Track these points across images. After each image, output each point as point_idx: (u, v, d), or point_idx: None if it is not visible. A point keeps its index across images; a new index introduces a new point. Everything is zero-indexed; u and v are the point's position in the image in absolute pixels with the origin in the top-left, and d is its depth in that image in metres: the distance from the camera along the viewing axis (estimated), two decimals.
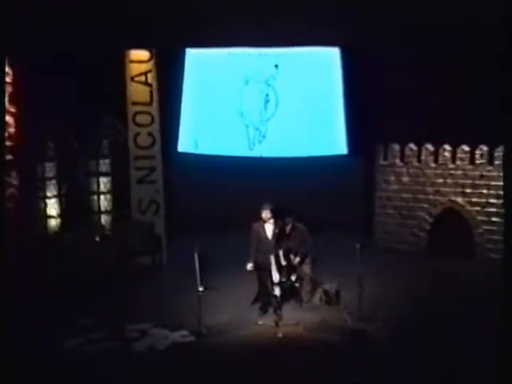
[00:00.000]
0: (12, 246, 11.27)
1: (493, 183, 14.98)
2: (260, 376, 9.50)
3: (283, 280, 11.70)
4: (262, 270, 11.83)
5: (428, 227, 15.82)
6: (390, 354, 10.26)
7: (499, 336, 7.65)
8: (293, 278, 12.11)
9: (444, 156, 15.53)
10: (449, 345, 10.41)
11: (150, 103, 15.35)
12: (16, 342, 9.06)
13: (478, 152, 15.16)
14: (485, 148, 15.05)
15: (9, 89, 13.82)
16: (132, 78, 15.24)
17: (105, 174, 15.72)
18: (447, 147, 15.45)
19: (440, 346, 10.37)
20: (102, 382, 9.34)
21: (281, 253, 11.93)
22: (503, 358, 7.45)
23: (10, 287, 9.03)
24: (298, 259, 12.33)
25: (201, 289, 11.08)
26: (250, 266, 11.88)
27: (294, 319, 11.58)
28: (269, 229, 11.95)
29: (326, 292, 12.54)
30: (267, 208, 11.92)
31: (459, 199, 15.41)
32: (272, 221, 11.95)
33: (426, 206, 15.81)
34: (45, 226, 15.10)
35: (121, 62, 15.20)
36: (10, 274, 9.34)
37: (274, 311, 11.52)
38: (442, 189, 15.59)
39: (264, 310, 12.02)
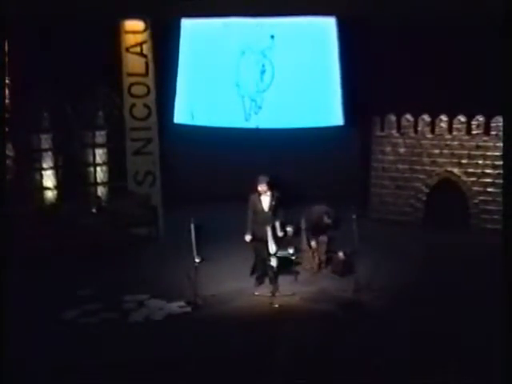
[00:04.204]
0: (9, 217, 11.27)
1: (489, 153, 14.98)
2: (256, 346, 9.54)
3: (280, 252, 11.74)
4: (258, 242, 11.86)
5: (424, 198, 15.83)
6: (386, 323, 10.32)
7: (500, 303, 7.71)
8: (290, 250, 12.13)
9: (440, 127, 15.50)
10: (445, 315, 10.48)
11: (146, 74, 15.26)
12: (13, 314, 9.08)
13: (474, 122, 15.13)
14: (481, 118, 15.02)
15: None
16: (127, 49, 15.13)
17: (101, 146, 15.72)
18: (444, 118, 15.42)
19: (436, 316, 10.43)
20: (99, 353, 9.38)
21: (277, 224, 11.92)
22: (503, 325, 7.51)
23: (8, 259, 9.05)
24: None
25: (197, 260, 11.12)
26: (248, 237, 11.91)
27: (290, 290, 11.64)
28: (265, 201, 11.95)
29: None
30: (263, 181, 11.90)
31: (455, 170, 15.40)
32: (269, 193, 11.94)
33: (422, 176, 15.80)
34: (41, 197, 15.10)
35: (116, 33, 15.10)
36: (8, 246, 9.36)
37: (270, 282, 11.56)
38: (439, 159, 15.58)
39: (260, 281, 12.06)
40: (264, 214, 11.90)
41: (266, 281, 11.89)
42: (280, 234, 11.87)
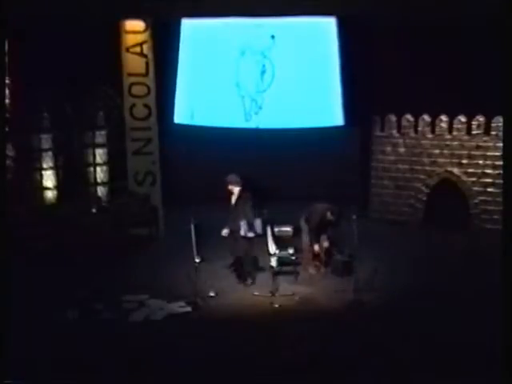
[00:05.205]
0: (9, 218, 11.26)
1: (489, 154, 14.97)
2: (256, 346, 9.54)
3: (280, 252, 11.75)
4: (231, 238, 12.08)
5: (424, 198, 15.82)
6: (386, 323, 10.32)
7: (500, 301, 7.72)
8: (290, 250, 12.12)
9: (440, 127, 15.50)
10: (445, 315, 10.48)
11: (146, 74, 15.24)
12: (13, 314, 9.08)
13: (474, 122, 15.13)
14: (481, 118, 15.02)
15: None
16: (127, 49, 15.11)
17: (101, 146, 15.72)
18: (444, 118, 15.42)
19: (436, 316, 10.43)
20: (99, 353, 9.38)
21: (242, 223, 11.79)
22: (503, 325, 7.51)
23: (8, 259, 9.05)
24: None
25: (197, 260, 11.13)
26: (224, 231, 12.05)
27: (290, 290, 11.64)
28: (233, 199, 12.12)
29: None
30: (231, 179, 12.09)
31: (455, 170, 15.40)
32: (236, 191, 12.04)
33: (422, 176, 15.80)
34: (41, 197, 15.09)
35: (116, 33, 15.09)
36: (8, 246, 9.35)
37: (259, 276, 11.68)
38: (439, 159, 15.58)
39: (238, 274, 12.18)
40: (233, 213, 12.04)
41: (265, 281, 11.92)
42: (247, 234, 11.80)
